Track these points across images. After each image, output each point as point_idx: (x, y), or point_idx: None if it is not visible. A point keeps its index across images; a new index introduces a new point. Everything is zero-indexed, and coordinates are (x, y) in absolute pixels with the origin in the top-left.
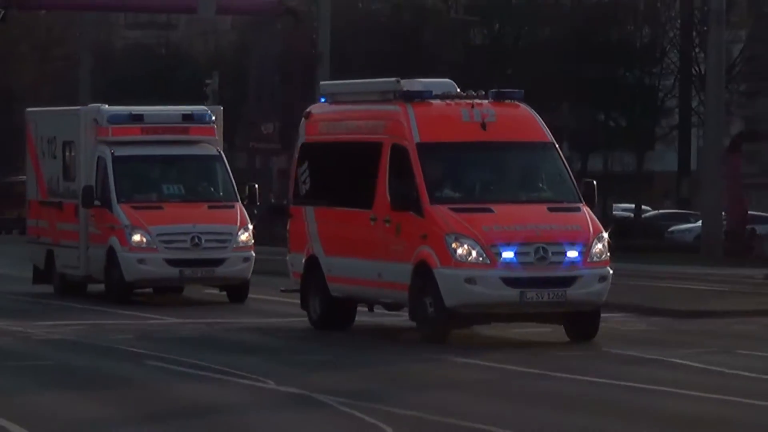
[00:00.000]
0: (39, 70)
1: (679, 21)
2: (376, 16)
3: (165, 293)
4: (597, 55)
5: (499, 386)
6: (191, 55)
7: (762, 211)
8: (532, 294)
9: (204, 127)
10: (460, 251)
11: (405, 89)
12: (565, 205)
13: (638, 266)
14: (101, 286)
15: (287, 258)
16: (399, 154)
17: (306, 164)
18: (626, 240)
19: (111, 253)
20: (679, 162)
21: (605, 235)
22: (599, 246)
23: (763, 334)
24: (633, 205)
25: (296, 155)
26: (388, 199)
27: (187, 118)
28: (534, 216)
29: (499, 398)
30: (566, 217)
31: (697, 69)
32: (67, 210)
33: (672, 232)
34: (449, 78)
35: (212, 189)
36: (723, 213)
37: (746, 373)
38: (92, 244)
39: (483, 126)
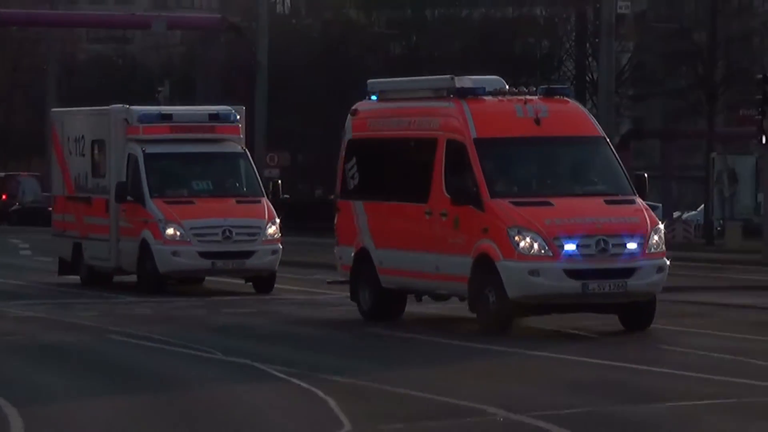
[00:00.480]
0: (11, 79)
1: (574, 34)
2: (308, 31)
3: (189, 283)
4: (502, 65)
5: (479, 364)
6: (145, 65)
7: (652, 200)
8: (594, 285)
9: (229, 126)
10: (522, 244)
11: (458, 86)
12: (620, 197)
13: None
14: (125, 277)
15: (335, 251)
16: (455, 149)
17: (354, 160)
18: None
19: (144, 245)
20: None
21: (661, 226)
22: (656, 237)
23: None
24: None
25: (343, 151)
26: (445, 193)
27: (214, 117)
28: (592, 209)
29: (466, 374)
30: (624, 210)
31: (590, 76)
32: (97, 205)
33: None
34: None
35: (238, 184)
36: None
37: None
38: (123, 237)
39: (537, 121)
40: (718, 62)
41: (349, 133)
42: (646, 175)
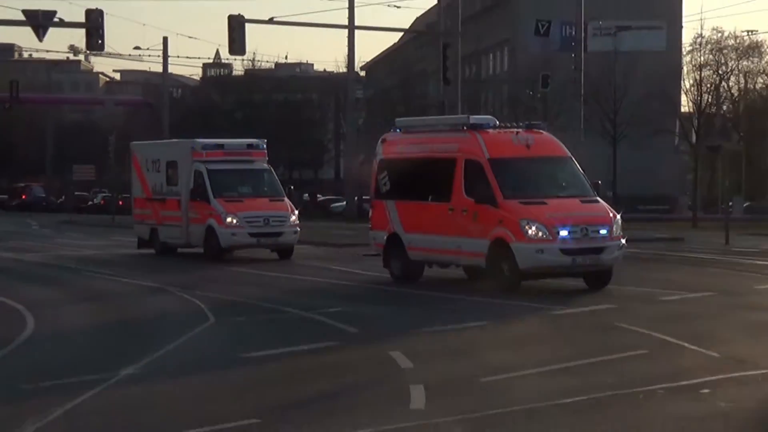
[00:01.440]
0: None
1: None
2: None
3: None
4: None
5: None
6: (103, 126)
7: None
8: (579, 259)
9: (259, 151)
10: (530, 231)
11: (472, 122)
12: (589, 198)
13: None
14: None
15: (370, 234)
16: (472, 165)
17: (385, 173)
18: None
19: (210, 229)
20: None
21: (619, 218)
22: (616, 226)
23: None
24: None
25: (375, 167)
26: (464, 195)
27: (249, 146)
28: (574, 206)
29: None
30: (594, 207)
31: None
32: (170, 203)
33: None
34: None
35: (268, 189)
36: None
37: None
38: (192, 223)
39: (528, 146)
40: None
41: (380, 155)
42: (600, 182)
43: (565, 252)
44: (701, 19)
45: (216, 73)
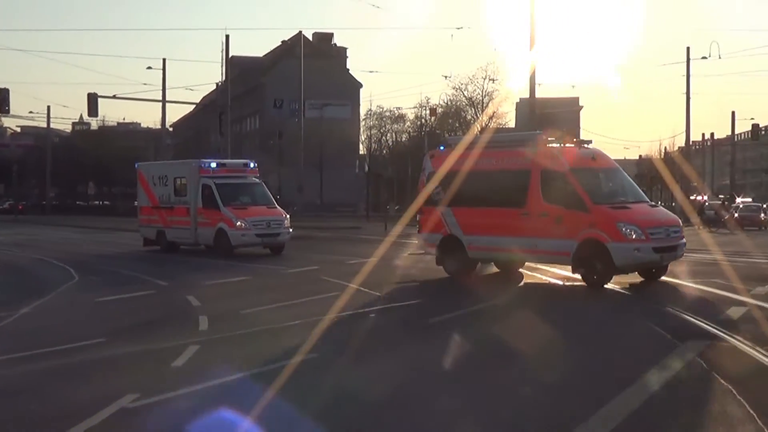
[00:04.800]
0: None
1: None
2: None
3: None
4: None
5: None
6: (11, 159)
7: None
8: (665, 255)
9: (252, 169)
10: (627, 232)
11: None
12: (652, 203)
13: None
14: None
15: (420, 235)
16: (551, 175)
17: (438, 182)
18: None
19: (221, 231)
20: None
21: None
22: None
23: None
24: None
25: (424, 178)
26: (543, 201)
27: (245, 165)
28: (650, 210)
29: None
30: (663, 210)
31: None
32: (179, 210)
33: None
34: None
35: (264, 198)
36: None
37: None
38: (200, 227)
39: (593, 158)
40: None
41: (429, 168)
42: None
43: (655, 250)
44: (370, 100)
45: (80, 128)
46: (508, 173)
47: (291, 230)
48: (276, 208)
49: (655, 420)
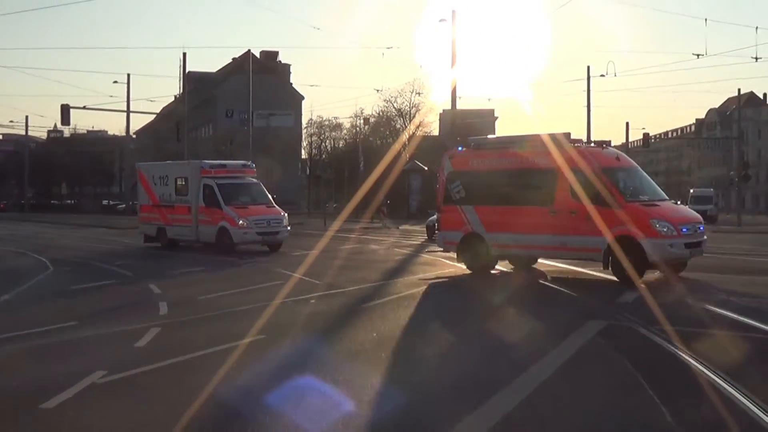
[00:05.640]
0: None
1: None
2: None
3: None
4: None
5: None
6: None
7: None
8: (694, 251)
9: (250, 169)
10: (661, 228)
11: (572, 138)
12: (674, 201)
13: None
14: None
15: (439, 234)
16: (580, 174)
17: (457, 182)
18: None
19: (223, 229)
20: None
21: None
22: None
23: None
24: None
25: (444, 178)
26: (571, 199)
27: (244, 165)
28: (677, 208)
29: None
30: (685, 208)
31: None
32: (179, 208)
33: (118, 207)
34: None
35: (261, 198)
36: None
37: None
38: (201, 224)
39: (618, 158)
40: None
41: (448, 167)
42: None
43: (686, 246)
44: (311, 111)
45: (54, 135)
46: (534, 172)
47: (289, 228)
48: (274, 207)
49: (564, 386)
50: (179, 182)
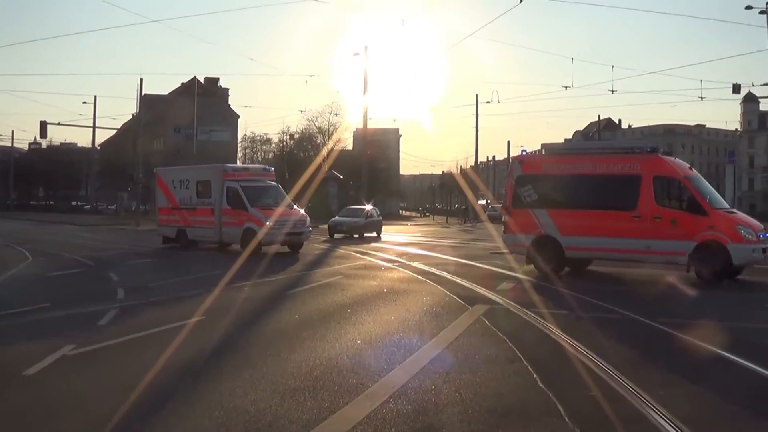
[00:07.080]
0: None
1: None
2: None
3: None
4: None
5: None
6: None
7: None
8: (765, 255)
9: (270, 173)
10: (746, 234)
11: (649, 147)
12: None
13: None
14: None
15: (506, 236)
16: (666, 181)
17: (528, 186)
18: None
19: (249, 230)
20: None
21: None
22: None
23: None
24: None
25: (513, 182)
26: (656, 204)
27: (265, 169)
28: (747, 217)
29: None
30: (750, 217)
31: None
32: (201, 211)
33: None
34: None
35: (282, 200)
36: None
37: None
38: (225, 226)
39: (690, 168)
40: None
41: (518, 171)
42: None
43: (763, 250)
44: (245, 128)
45: (34, 147)
46: (615, 178)
47: (311, 229)
48: (296, 209)
49: (452, 360)
50: (201, 186)
